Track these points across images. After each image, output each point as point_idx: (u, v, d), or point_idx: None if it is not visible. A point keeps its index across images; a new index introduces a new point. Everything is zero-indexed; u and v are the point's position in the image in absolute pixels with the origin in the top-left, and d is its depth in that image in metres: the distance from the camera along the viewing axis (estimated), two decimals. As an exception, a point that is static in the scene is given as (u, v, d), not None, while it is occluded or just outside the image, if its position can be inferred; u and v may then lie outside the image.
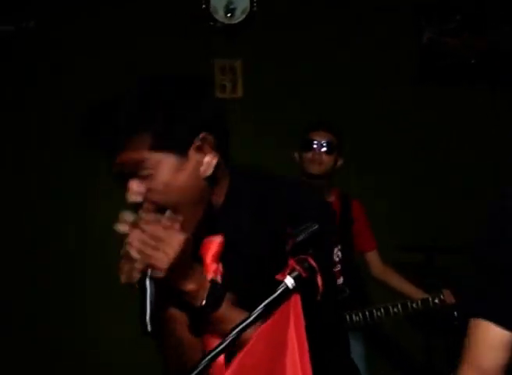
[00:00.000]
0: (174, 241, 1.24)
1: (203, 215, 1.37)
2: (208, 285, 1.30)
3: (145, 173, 1.32)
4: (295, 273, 1.10)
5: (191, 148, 1.34)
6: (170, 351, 1.40)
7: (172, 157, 1.32)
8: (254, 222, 1.38)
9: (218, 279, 1.33)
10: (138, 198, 1.33)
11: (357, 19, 3.69)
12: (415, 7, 3.79)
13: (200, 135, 1.34)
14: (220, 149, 1.37)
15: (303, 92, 3.52)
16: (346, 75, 3.63)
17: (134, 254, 1.24)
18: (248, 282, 1.34)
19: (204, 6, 3.45)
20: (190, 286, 1.29)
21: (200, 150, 1.35)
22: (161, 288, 1.27)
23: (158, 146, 1.31)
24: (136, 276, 1.24)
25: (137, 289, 1.25)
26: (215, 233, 1.37)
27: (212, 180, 1.37)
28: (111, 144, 1.33)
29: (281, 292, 1.08)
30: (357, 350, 2.67)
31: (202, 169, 1.35)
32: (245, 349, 1.13)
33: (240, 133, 3.44)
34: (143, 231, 1.25)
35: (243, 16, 3.47)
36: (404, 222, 3.50)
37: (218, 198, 1.41)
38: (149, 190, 1.32)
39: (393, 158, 3.58)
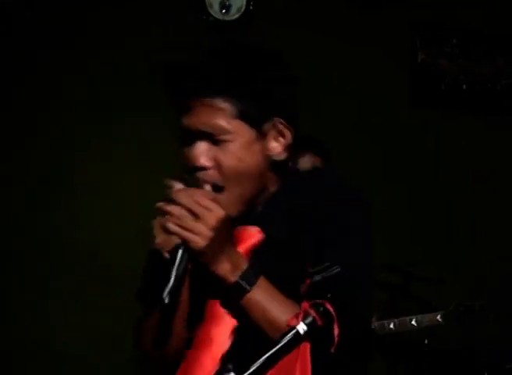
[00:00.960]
0: (214, 214, 1.20)
1: (252, 200, 1.31)
2: (244, 266, 1.23)
3: (221, 138, 1.26)
4: (309, 319, 0.96)
5: (270, 129, 1.30)
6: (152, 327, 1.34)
7: (251, 132, 1.28)
8: (294, 228, 1.30)
9: None
10: (207, 163, 1.27)
11: (351, 34, 3.58)
12: (411, 26, 3.71)
13: (282, 120, 1.31)
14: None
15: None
16: (337, 89, 3.53)
17: (172, 226, 1.19)
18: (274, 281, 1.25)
19: (199, -1, 3.30)
20: (225, 265, 1.22)
21: (277, 134, 1.31)
22: (192, 263, 1.23)
23: (244, 115, 1.26)
24: (171, 245, 1.20)
25: (165, 258, 1.20)
26: (256, 224, 1.31)
27: (276, 166, 1.33)
28: (196, 92, 1.26)
29: (291, 338, 0.95)
30: None
31: (275, 151, 1.31)
32: None
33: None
34: (183, 203, 1.20)
35: (239, 14, 3.33)
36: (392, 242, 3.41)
37: (269, 192, 1.35)
38: (217, 158, 1.27)
39: (382, 179, 3.47)
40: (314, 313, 0.98)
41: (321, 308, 0.98)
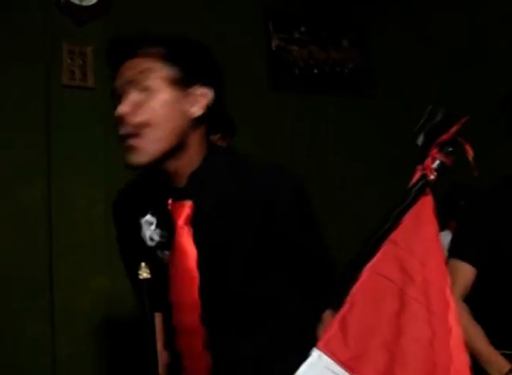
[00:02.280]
0: None
1: (171, 153, 1.41)
2: None
3: (145, 84, 1.38)
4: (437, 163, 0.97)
5: (192, 93, 1.42)
6: None
7: (176, 90, 1.40)
8: (225, 195, 1.43)
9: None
10: (125, 108, 1.38)
11: (207, 22, 3.59)
12: (265, 12, 3.81)
13: (208, 87, 1.44)
14: (212, 113, 1.45)
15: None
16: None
17: None
18: (216, 249, 1.41)
19: (52, -17, 3.12)
20: None
21: (198, 97, 1.43)
22: None
23: (172, 75, 1.40)
24: None
25: None
26: (186, 197, 1.42)
27: (195, 124, 1.43)
28: (135, 48, 1.41)
29: (419, 187, 0.98)
30: None
31: (194, 111, 1.42)
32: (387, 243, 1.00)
33: (90, 124, 3.18)
34: None
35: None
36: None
37: (194, 162, 1.44)
38: (139, 104, 1.38)
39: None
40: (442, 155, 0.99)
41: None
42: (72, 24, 3.15)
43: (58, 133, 3.10)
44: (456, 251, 1.93)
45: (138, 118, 1.38)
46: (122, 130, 1.40)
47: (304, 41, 3.93)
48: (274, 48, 3.83)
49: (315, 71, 3.94)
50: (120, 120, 1.40)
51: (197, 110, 1.42)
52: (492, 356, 1.78)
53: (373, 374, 0.90)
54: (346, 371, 0.91)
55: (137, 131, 1.38)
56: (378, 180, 3.97)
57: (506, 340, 1.82)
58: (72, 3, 3.15)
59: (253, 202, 1.40)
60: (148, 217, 1.47)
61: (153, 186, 1.48)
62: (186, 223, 1.41)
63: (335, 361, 0.93)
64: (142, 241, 1.47)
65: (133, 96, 1.39)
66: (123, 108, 1.38)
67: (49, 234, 3.07)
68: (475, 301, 1.89)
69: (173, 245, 1.42)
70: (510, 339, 1.83)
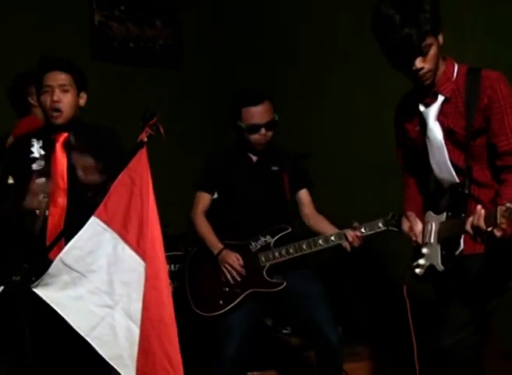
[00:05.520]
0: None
1: (72, 119, 2.79)
2: None
3: (64, 88, 2.72)
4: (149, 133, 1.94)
5: (82, 94, 2.81)
6: None
7: (76, 91, 2.77)
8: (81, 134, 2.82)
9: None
10: (56, 98, 2.70)
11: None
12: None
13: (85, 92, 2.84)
14: None
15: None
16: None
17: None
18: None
19: None
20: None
21: (82, 96, 2.83)
22: None
23: (77, 84, 2.76)
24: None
25: None
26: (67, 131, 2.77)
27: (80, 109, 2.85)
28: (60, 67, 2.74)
29: (139, 145, 1.93)
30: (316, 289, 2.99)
31: (81, 103, 2.83)
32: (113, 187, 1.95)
33: None
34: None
35: None
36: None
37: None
38: (62, 98, 2.72)
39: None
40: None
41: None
42: None
43: None
44: (199, 185, 3.18)
45: (61, 105, 2.75)
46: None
47: (123, 19, 4.64)
48: (96, 23, 4.51)
49: (131, 45, 4.69)
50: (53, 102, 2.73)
51: (82, 103, 2.81)
52: (213, 242, 3.09)
53: (118, 226, 1.90)
54: (106, 224, 1.93)
55: (61, 109, 2.73)
56: (180, 142, 4.78)
57: (228, 234, 3.14)
58: None
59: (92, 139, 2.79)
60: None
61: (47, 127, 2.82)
62: (62, 145, 2.73)
63: (101, 220, 1.93)
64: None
65: (60, 93, 2.72)
66: (56, 98, 2.71)
67: None
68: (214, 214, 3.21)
69: (52, 158, 2.72)
70: (232, 234, 3.13)
